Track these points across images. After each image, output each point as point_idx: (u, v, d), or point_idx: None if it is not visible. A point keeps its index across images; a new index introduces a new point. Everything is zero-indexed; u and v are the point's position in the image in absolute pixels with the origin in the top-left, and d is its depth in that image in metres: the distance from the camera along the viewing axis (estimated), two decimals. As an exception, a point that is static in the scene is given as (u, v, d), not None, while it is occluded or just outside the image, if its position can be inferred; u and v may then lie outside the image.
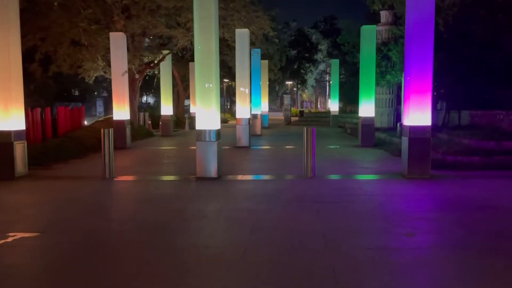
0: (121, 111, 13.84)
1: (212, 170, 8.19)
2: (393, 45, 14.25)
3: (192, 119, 24.03)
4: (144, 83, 31.82)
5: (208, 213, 5.69)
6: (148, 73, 22.25)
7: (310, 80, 55.81)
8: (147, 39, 17.56)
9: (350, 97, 29.83)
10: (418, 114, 7.84)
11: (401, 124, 13.13)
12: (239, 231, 4.86)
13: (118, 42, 13.68)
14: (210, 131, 8.13)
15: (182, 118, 24.48)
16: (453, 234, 4.65)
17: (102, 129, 8.52)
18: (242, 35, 13.63)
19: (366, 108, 13.49)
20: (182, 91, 26.58)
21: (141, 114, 23.07)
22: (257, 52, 18.49)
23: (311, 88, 59.86)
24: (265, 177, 8.39)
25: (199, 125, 8.21)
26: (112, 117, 14.27)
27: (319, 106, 61.72)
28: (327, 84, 60.11)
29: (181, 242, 4.48)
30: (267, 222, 5.16)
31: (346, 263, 3.86)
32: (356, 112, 28.44)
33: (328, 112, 30.89)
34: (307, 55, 51.21)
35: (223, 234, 4.85)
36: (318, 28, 54.05)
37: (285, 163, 10.33)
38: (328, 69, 57.41)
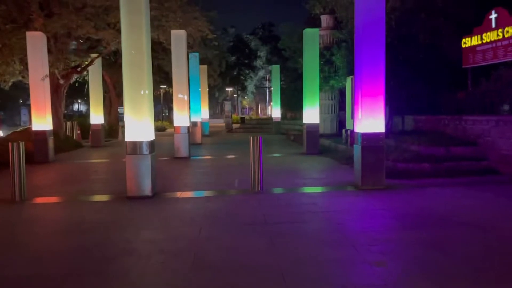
0: (41, 121, 12.22)
1: (146, 188, 7.12)
2: (337, 49, 13.92)
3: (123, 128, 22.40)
4: (75, 90, 29.47)
5: (138, 245, 4.65)
6: (77, 79, 20.46)
7: (250, 86, 55.55)
8: (74, 41, 15.90)
9: (291, 104, 29.59)
10: (370, 120, 7.32)
11: (346, 131, 12.79)
12: (176, 270, 3.90)
13: (36, 43, 12.08)
14: (142, 142, 7.07)
15: (115, 126, 22.79)
16: (429, 259, 4.02)
17: (10, 143, 7.14)
18: (178, 37, 12.60)
19: (311, 114, 12.99)
20: (115, 98, 24.82)
21: (69, 123, 21.16)
22: (195, 56, 17.48)
23: (251, 94, 59.65)
24: (207, 193, 7.45)
25: (129, 136, 7.11)
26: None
27: (259, 112, 61.61)
28: (267, 90, 60.26)
29: (100, 292, 3.45)
30: (211, 255, 4.24)
31: (314, 311, 3.05)
32: (298, 118, 28.34)
33: (270, 118, 30.48)
34: (246, 61, 50.92)
35: (155, 275, 3.85)
36: (256, 34, 54.01)
37: (229, 175, 9.45)
38: (267, 76, 57.54)
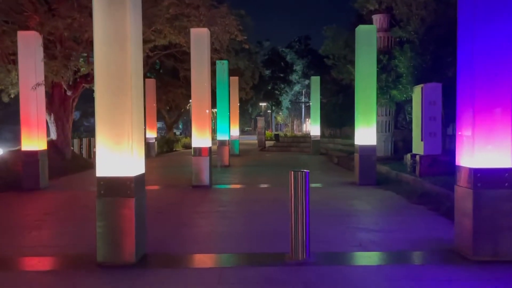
0: (32, 139, 10.01)
1: (127, 252, 4.54)
2: (399, 52, 11.07)
3: (148, 145, 20.29)
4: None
5: None
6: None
7: (285, 101, 52.96)
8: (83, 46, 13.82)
9: (331, 120, 26.80)
10: (489, 149, 4.47)
11: (413, 156, 9.86)
12: None
13: (29, 44, 9.96)
14: (123, 180, 4.51)
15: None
16: None
17: None
18: (199, 37, 10.14)
19: (365, 134, 10.12)
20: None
21: (86, 140, 19.21)
22: (223, 63, 15.06)
23: (286, 110, 57.04)
24: (223, 259, 4.79)
25: (102, 169, 4.57)
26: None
27: (294, 129, 58.90)
28: (303, 106, 57.47)
29: None
30: None
31: None
32: (338, 136, 25.39)
33: (307, 136, 27.73)
34: (281, 75, 48.36)
35: None
36: (292, 48, 51.60)
37: (259, 219, 6.76)
38: (303, 90, 54.87)
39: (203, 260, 4.80)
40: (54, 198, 9.00)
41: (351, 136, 20.27)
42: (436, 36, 10.24)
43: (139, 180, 4.67)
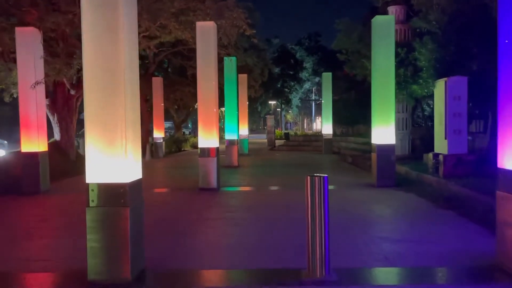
0: (32, 140, 9.55)
1: (122, 268, 3.99)
2: (419, 44, 10.37)
3: (155, 145, 19.83)
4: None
5: None
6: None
7: (295, 100, 52.22)
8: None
9: (342, 118, 26.11)
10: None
11: (436, 156, 9.19)
12: None
13: (27, 41, 9.50)
14: (116, 187, 3.96)
15: (143, 144, 20.19)
16: None
17: None
18: (205, 30, 9.58)
19: (383, 132, 9.46)
20: (145, 112, 22.35)
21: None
22: (231, 60, 14.48)
23: (296, 108, 56.31)
24: (232, 278, 4.21)
25: (91, 176, 4.02)
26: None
27: (304, 127, 58.19)
28: (313, 103, 56.70)
29: None
30: None
31: None
32: (351, 135, 24.66)
33: (318, 134, 27.08)
34: (291, 73, 47.61)
35: None
36: (302, 45, 50.80)
37: (271, 227, 6.18)
38: (313, 88, 54.10)
39: (209, 277, 4.24)
40: (54, 202, 8.51)
41: (364, 134, 19.58)
42: (460, 25, 9.53)
43: (135, 187, 4.12)
